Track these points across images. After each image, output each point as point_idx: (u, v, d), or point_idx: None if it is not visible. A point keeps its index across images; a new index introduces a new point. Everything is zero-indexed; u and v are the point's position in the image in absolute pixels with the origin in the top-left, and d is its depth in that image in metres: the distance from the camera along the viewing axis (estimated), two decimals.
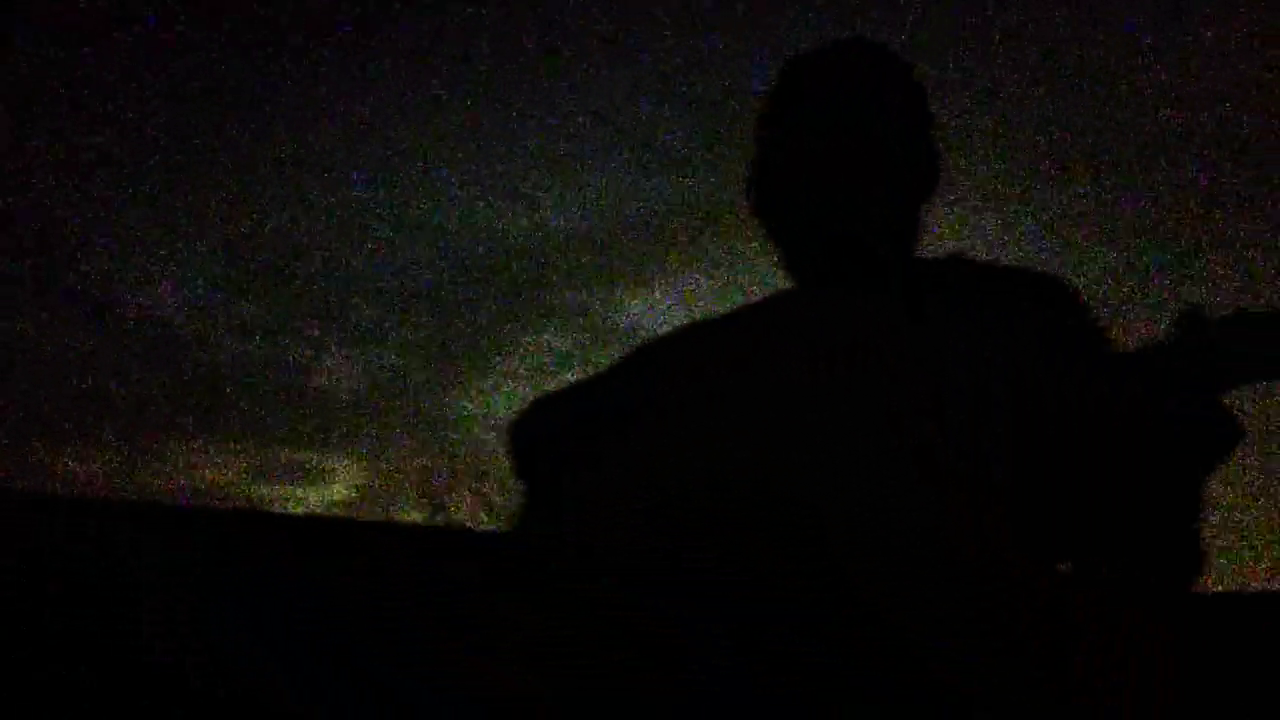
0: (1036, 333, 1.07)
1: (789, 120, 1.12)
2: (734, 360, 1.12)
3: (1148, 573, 0.98)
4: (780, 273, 1.19)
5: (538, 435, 1.18)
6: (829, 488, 0.97)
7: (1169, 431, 0.90)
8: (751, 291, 1.22)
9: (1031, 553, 0.99)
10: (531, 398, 1.20)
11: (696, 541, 1.00)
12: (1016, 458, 0.97)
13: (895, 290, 1.11)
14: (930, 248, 1.18)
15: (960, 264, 1.16)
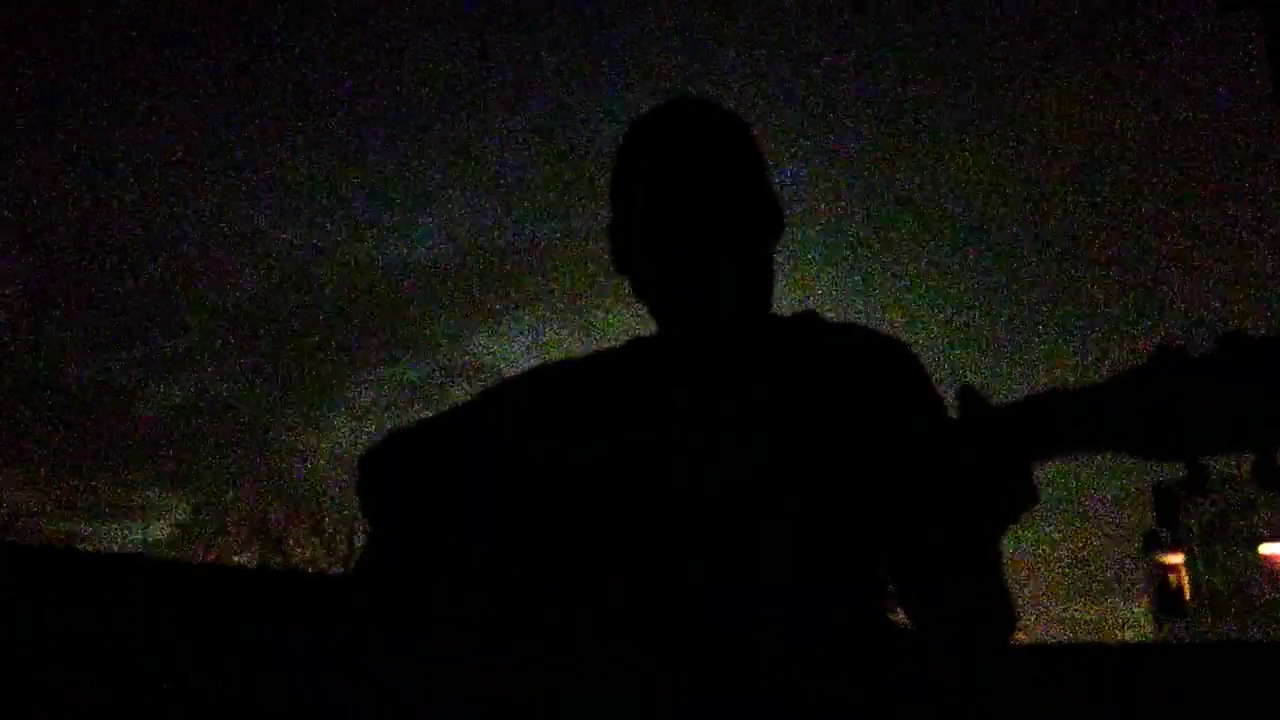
0: (869, 385, 1.16)
1: (635, 177, 1.20)
2: (586, 406, 1.20)
3: (957, 624, 1.14)
4: (630, 315, 1.25)
5: (388, 473, 1.21)
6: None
7: (971, 486, 1.01)
8: (597, 331, 1.26)
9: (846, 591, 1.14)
10: (385, 430, 1.24)
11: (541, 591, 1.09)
12: (841, 498, 1.08)
13: (746, 341, 1.19)
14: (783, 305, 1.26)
15: (810, 320, 1.25)
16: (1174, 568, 31.56)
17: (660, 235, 1.17)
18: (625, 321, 1.29)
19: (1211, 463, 0.84)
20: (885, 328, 1.23)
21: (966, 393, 0.98)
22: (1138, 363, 0.86)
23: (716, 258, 1.16)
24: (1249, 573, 28.79)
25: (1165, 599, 31.80)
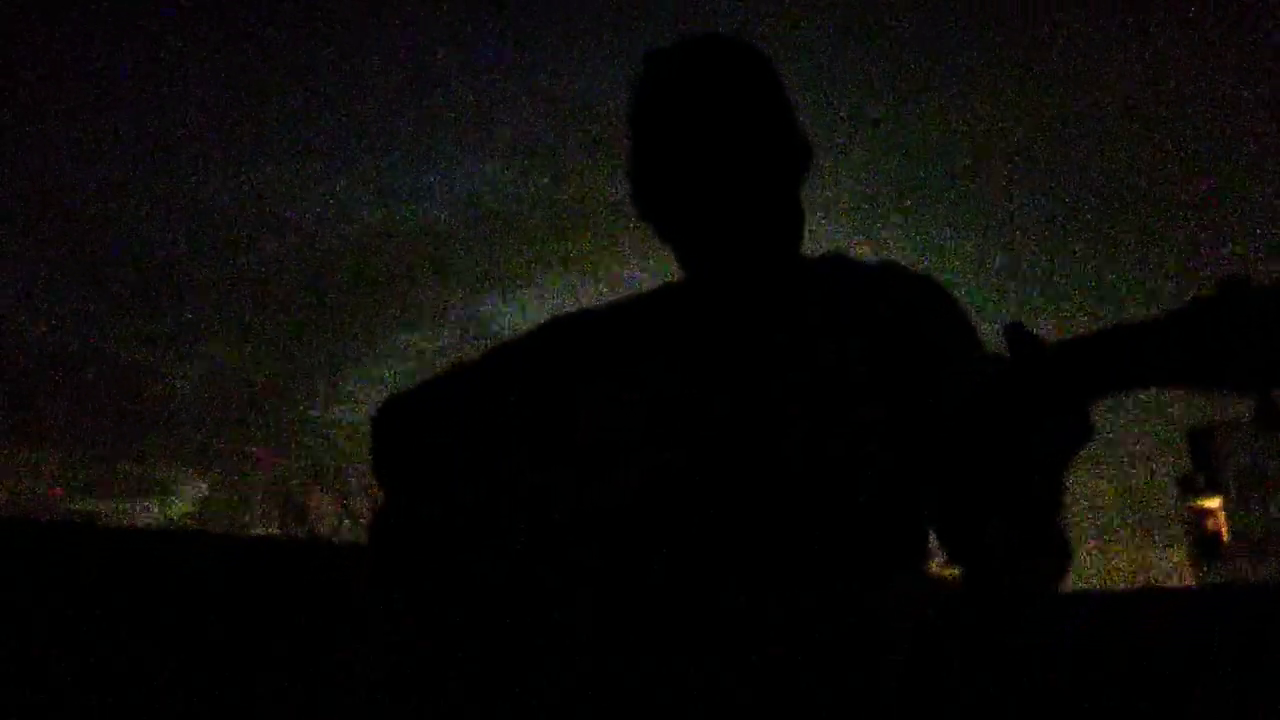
0: (906, 327, 1.13)
1: (658, 119, 1.12)
2: (605, 357, 1.13)
3: (1018, 568, 1.11)
4: (653, 270, 1.20)
5: (401, 430, 1.15)
6: (691, 491, 1.03)
7: (1024, 424, 0.97)
8: (616, 293, 1.20)
9: (900, 547, 1.11)
10: (399, 391, 1.18)
11: (560, 548, 1.06)
12: (885, 453, 1.05)
13: (776, 285, 1.12)
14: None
15: (839, 261, 1.18)
16: (1211, 512, 31.53)
17: (686, 176, 1.10)
18: (646, 283, 1.23)
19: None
20: (920, 266, 1.17)
21: (1015, 330, 0.93)
22: (1201, 294, 0.81)
23: (746, 197, 1.09)
24: None
25: (1203, 544, 31.76)
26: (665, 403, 1.08)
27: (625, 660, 0.97)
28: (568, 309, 1.23)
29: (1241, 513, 29.04)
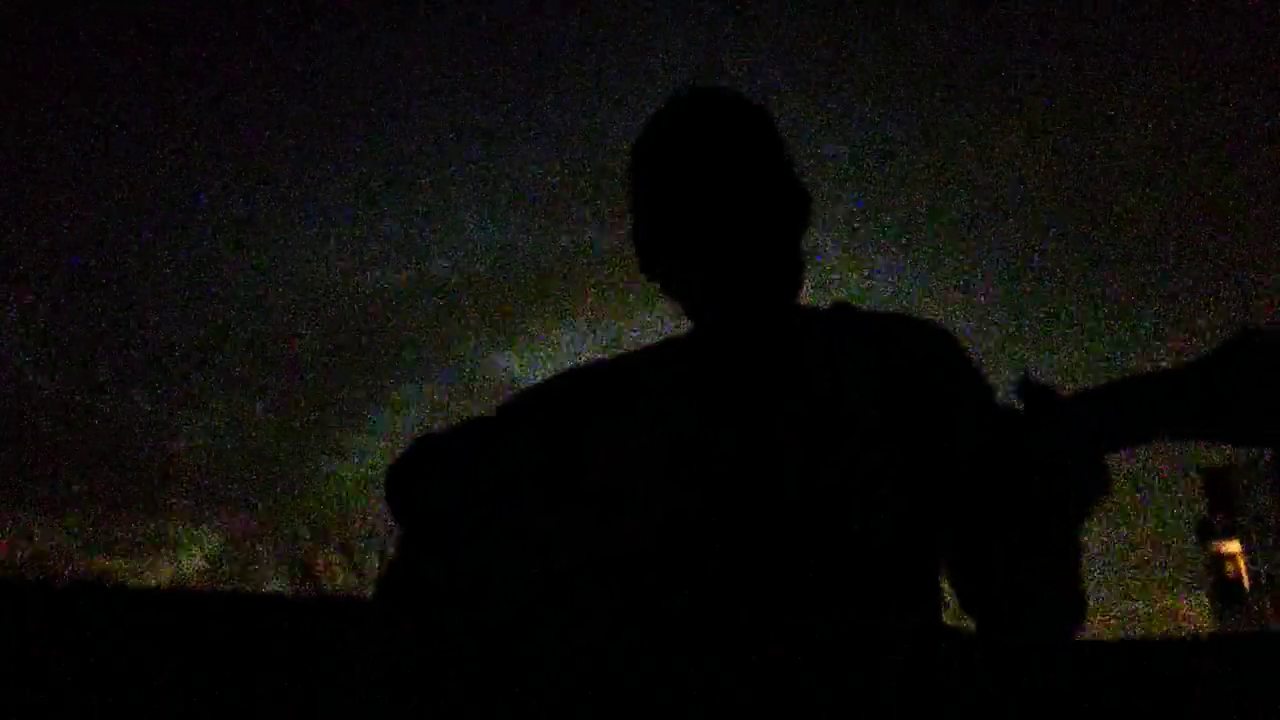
0: (917, 377, 1.11)
1: (659, 175, 1.14)
2: (616, 405, 1.13)
3: (1033, 619, 1.09)
4: (660, 321, 1.20)
5: (419, 480, 1.16)
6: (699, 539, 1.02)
7: (1040, 477, 0.96)
8: (625, 344, 1.22)
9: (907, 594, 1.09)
10: (413, 442, 1.18)
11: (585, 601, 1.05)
12: (894, 498, 1.04)
13: (780, 332, 1.14)
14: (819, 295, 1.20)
15: (846, 310, 1.18)
16: (1230, 556, 31.18)
17: (689, 232, 1.11)
18: (654, 334, 1.24)
19: None
20: (933, 315, 1.17)
21: (1027, 383, 0.93)
22: (1217, 345, 0.80)
23: (749, 249, 1.10)
24: None
25: (1223, 589, 31.38)
26: (675, 444, 1.08)
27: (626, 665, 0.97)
28: (578, 360, 1.23)
29: (1262, 557, 28.71)
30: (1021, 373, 0.93)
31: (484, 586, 1.07)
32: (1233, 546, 29.77)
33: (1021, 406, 0.93)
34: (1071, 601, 1.07)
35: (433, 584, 1.11)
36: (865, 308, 1.20)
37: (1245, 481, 28.21)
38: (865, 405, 1.08)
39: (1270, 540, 28.03)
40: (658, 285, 1.18)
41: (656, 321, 1.22)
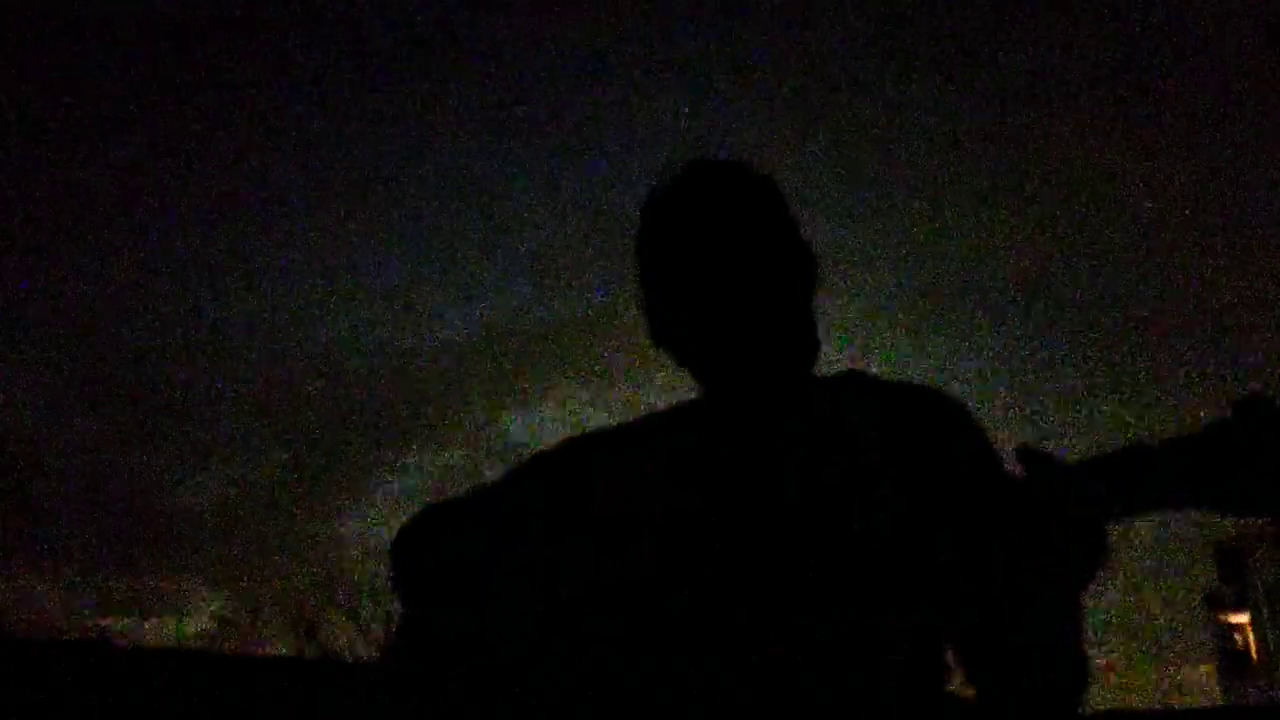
0: (924, 444, 1.11)
1: (665, 246, 1.15)
2: (627, 463, 1.14)
3: (1035, 688, 1.08)
4: (672, 384, 1.20)
5: (422, 547, 1.17)
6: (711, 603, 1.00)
7: (1044, 545, 0.95)
8: (633, 408, 1.23)
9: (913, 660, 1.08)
10: (421, 508, 1.18)
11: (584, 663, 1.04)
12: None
13: (792, 398, 1.14)
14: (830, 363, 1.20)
15: (855, 378, 1.18)
16: (1239, 627, 30.81)
17: (701, 303, 1.12)
18: (663, 397, 1.24)
19: None
20: (936, 383, 1.17)
21: (1028, 452, 0.93)
22: (1220, 415, 0.81)
23: (761, 319, 1.11)
24: None
25: (1231, 660, 30.98)
26: (676, 467, 1.10)
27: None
28: (586, 422, 1.24)
29: (1272, 629, 28.37)
30: (1021, 444, 0.93)
31: (490, 630, 1.08)
32: (1242, 618, 29.43)
33: (1022, 474, 0.93)
34: (1073, 669, 1.06)
35: (441, 637, 1.11)
36: (877, 375, 1.21)
37: (1257, 553, 27.96)
38: (874, 471, 1.09)
39: (1279, 612, 27.71)
40: (668, 353, 1.19)
41: (668, 385, 1.22)
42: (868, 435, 1.12)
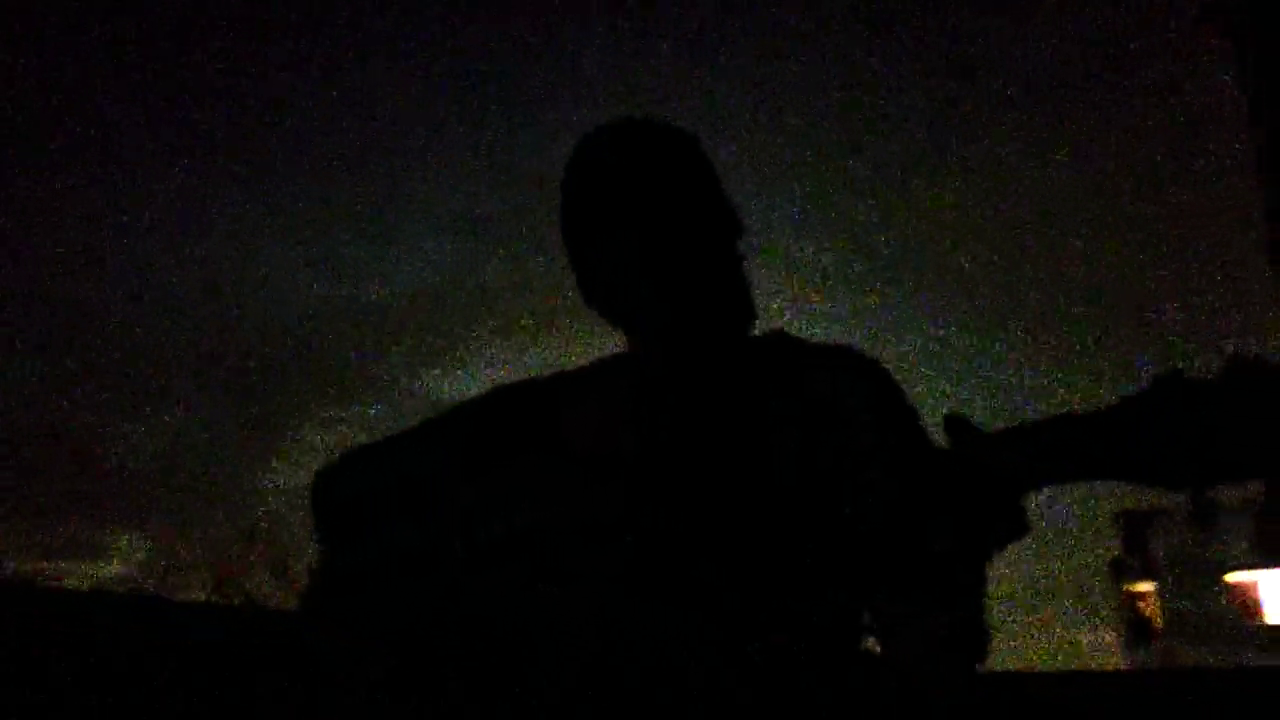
0: (853, 407, 1.12)
1: (595, 206, 1.15)
2: (548, 420, 1.14)
3: (938, 655, 1.10)
4: (590, 346, 1.21)
5: (340, 486, 1.17)
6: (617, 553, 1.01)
7: (959, 513, 0.97)
8: (556, 365, 1.22)
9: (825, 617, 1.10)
10: (341, 451, 1.18)
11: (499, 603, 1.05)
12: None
13: (723, 359, 1.14)
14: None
15: (782, 337, 1.19)
16: (1143, 596, 31.75)
17: (629, 260, 1.12)
18: (585, 353, 1.24)
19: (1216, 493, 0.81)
20: (865, 349, 1.18)
21: (954, 421, 0.94)
22: (1137, 388, 0.82)
23: (689, 272, 1.12)
24: (1217, 600, 29.02)
25: (1135, 627, 31.93)
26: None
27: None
28: (506, 380, 1.24)
29: (1174, 598, 29.31)
30: (951, 412, 0.94)
31: (414, 567, 1.08)
32: (1145, 586, 30.32)
33: (947, 442, 0.94)
34: (976, 634, 1.09)
35: (349, 575, 1.11)
36: (800, 336, 1.22)
37: (1159, 524, 28.79)
38: (773, 426, 1.10)
39: (1182, 581, 28.62)
40: (597, 312, 1.19)
41: (599, 342, 1.22)
42: (789, 392, 1.13)
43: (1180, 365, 0.81)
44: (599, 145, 1.17)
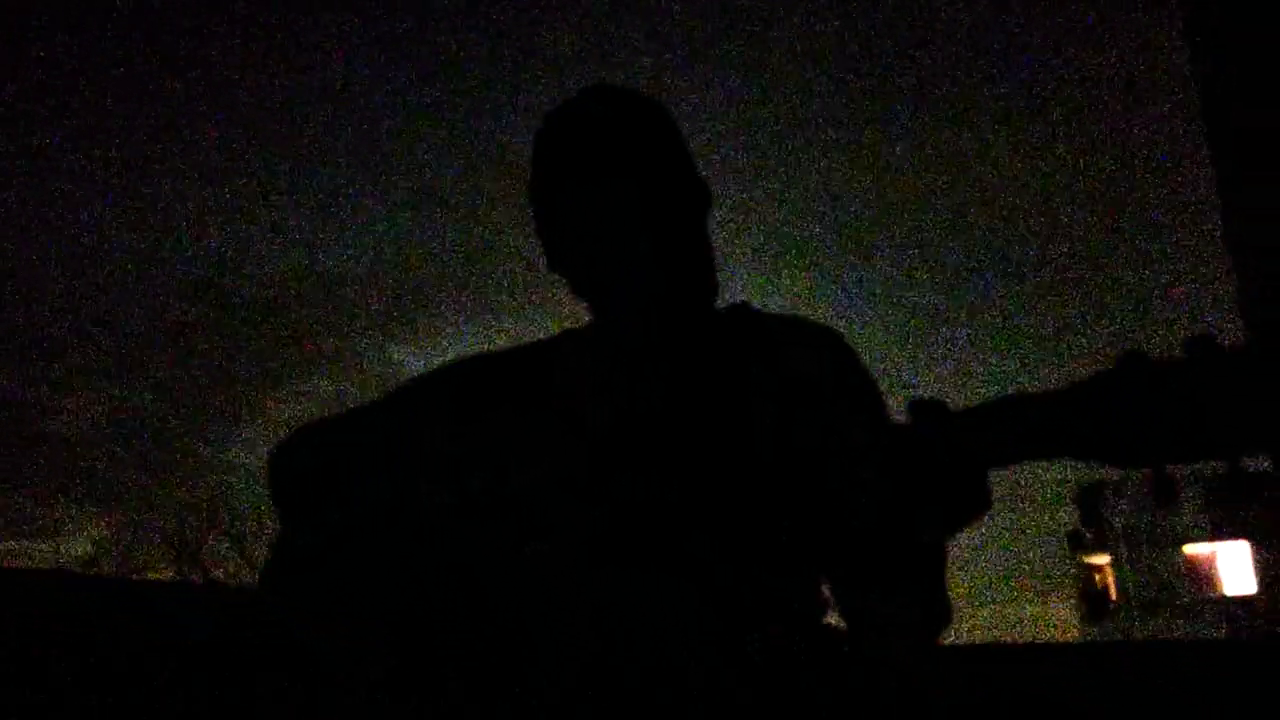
0: (814, 383, 1.12)
1: (560, 173, 1.15)
2: (524, 396, 1.13)
3: (900, 625, 1.11)
4: (558, 317, 1.23)
5: (300, 460, 1.16)
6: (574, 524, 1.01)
7: (922, 489, 0.97)
8: (524, 336, 1.22)
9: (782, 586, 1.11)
10: (299, 425, 1.18)
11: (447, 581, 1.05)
12: (777, 491, 1.05)
13: (683, 334, 1.15)
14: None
15: (745, 312, 1.20)
16: (1099, 568, 32.23)
17: (593, 228, 1.11)
18: (554, 324, 1.25)
19: (1177, 471, 0.82)
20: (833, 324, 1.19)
21: (919, 403, 0.94)
22: (1101, 368, 0.83)
23: (652, 243, 1.11)
24: (1174, 573, 29.49)
25: (1091, 599, 32.44)
26: (558, 439, 1.08)
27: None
28: (474, 352, 1.23)
29: (1130, 570, 29.76)
30: (912, 399, 0.94)
31: (373, 538, 1.06)
32: (1101, 559, 30.79)
33: (910, 420, 0.94)
34: (936, 608, 1.10)
35: (309, 553, 1.09)
36: (764, 309, 1.21)
37: (1116, 499, 29.20)
38: (733, 404, 1.09)
39: (1137, 554, 29.08)
40: (564, 281, 1.19)
41: (560, 313, 1.22)
42: (754, 369, 1.13)
43: (1143, 347, 0.81)
44: (574, 107, 1.16)
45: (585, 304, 1.17)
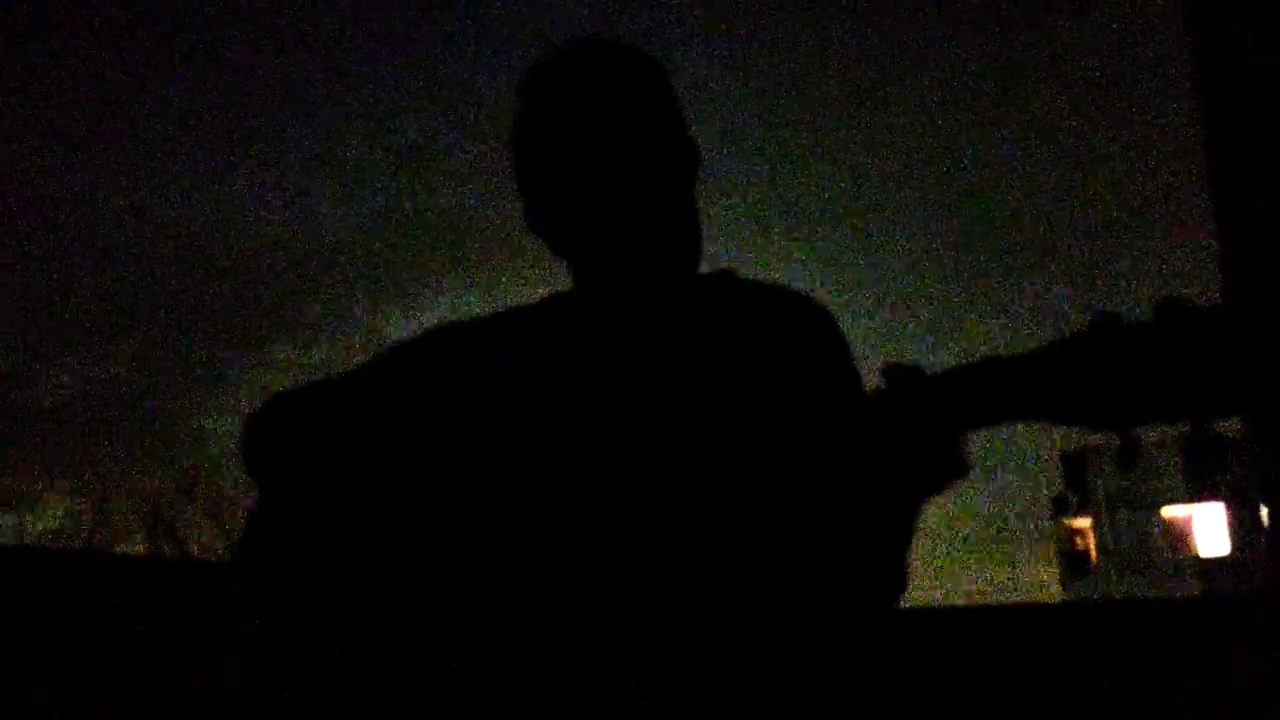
0: (794, 351, 1.11)
1: (544, 128, 1.11)
2: (511, 367, 1.11)
3: (861, 592, 1.11)
4: (549, 282, 1.18)
5: (276, 436, 1.13)
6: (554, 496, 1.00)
7: (899, 454, 0.98)
8: (515, 301, 1.19)
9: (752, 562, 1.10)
10: (272, 395, 1.14)
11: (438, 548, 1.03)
12: (757, 463, 1.05)
13: (666, 297, 1.13)
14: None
15: (727, 279, 1.18)
16: (1080, 531, 32.60)
17: (575, 186, 1.08)
18: (544, 289, 1.21)
19: (1142, 433, 0.82)
20: (813, 292, 1.18)
21: (892, 368, 0.94)
22: (1073, 331, 0.83)
23: (636, 204, 1.08)
24: (1152, 535, 29.86)
25: (1072, 561, 32.81)
26: (555, 399, 1.06)
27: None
28: (464, 318, 1.21)
29: (1110, 532, 30.07)
30: (890, 362, 0.94)
31: (354, 521, 1.05)
32: (1083, 522, 31.11)
33: (884, 384, 0.94)
34: (896, 576, 1.09)
35: (289, 518, 1.08)
36: (746, 278, 1.19)
37: (1099, 463, 29.48)
38: (717, 374, 1.08)
39: (1118, 517, 29.39)
40: (544, 242, 1.15)
41: (549, 278, 1.19)
42: (736, 338, 1.11)
43: (1115, 309, 0.81)
44: (557, 60, 1.13)
45: (565, 263, 1.16)
